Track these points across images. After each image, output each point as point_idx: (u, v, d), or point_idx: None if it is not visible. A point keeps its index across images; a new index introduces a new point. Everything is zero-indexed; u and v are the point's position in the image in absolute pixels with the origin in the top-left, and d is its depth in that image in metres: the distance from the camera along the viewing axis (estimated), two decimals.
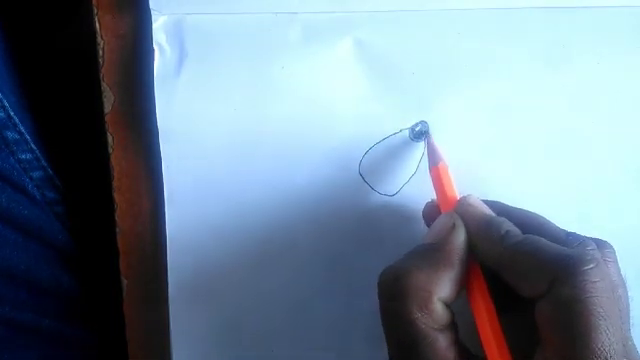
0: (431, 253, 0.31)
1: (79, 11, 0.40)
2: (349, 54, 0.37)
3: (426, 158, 0.37)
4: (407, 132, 0.38)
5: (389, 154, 0.37)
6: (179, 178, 0.36)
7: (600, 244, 0.31)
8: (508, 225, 0.31)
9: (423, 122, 0.37)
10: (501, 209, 0.33)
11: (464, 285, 0.31)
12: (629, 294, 0.31)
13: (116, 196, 0.38)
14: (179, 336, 0.38)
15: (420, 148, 0.38)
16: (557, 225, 0.32)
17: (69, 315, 0.42)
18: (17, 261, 0.39)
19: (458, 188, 0.36)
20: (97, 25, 0.36)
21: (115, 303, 0.39)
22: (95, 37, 0.36)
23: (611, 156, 0.38)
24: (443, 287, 0.30)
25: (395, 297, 0.30)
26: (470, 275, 0.31)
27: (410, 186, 0.38)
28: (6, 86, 0.38)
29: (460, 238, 0.31)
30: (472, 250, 0.31)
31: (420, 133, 0.37)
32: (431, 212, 0.35)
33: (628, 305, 0.31)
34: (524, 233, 0.31)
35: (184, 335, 0.38)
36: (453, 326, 0.30)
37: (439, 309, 0.29)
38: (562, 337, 0.27)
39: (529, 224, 0.32)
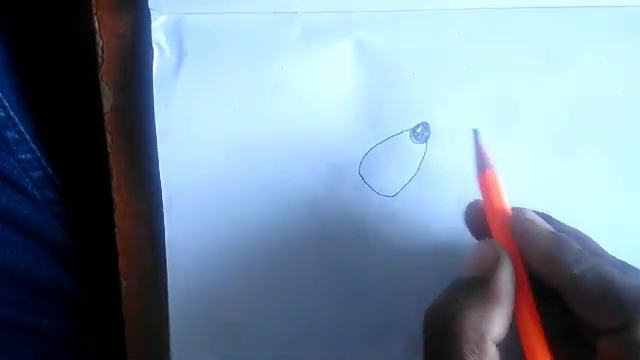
0: (478, 289, 0.29)
1: (78, 11, 0.40)
2: (349, 54, 0.36)
3: (426, 160, 0.37)
4: (408, 133, 0.37)
5: (389, 155, 0.37)
6: (177, 178, 0.36)
7: None
8: (578, 245, 0.29)
9: (424, 123, 0.37)
10: (554, 225, 0.31)
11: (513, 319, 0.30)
12: None
13: (115, 196, 0.38)
14: (178, 336, 0.38)
15: (420, 149, 0.37)
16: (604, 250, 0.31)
17: (69, 315, 0.42)
18: (17, 261, 0.39)
19: (458, 189, 0.36)
20: (96, 25, 0.36)
21: (114, 303, 0.39)
22: (94, 37, 0.36)
23: (612, 156, 0.38)
24: (494, 326, 0.28)
25: (446, 339, 0.28)
26: (520, 303, 0.30)
27: (410, 187, 0.37)
28: (6, 86, 0.38)
29: (508, 272, 0.29)
30: (533, 271, 0.30)
31: (421, 135, 0.37)
32: (476, 216, 0.33)
33: None
34: None
35: (183, 336, 0.38)
36: None
37: (492, 350, 0.28)
38: None
39: (584, 244, 0.30)
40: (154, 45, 0.35)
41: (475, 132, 0.34)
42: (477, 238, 0.33)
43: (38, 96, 0.41)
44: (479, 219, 0.33)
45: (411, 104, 0.37)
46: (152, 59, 0.35)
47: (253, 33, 0.36)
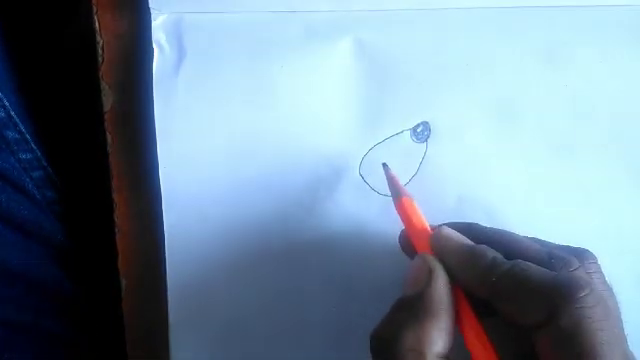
0: (414, 307, 0.29)
1: (79, 10, 0.40)
2: (349, 53, 0.36)
3: (427, 159, 0.37)
4: (408, 133, 0.37)
5: (390, 155, 0.37)
6: (177, 178, 0.36)
7: (581, 255, 0.30)
8: (492, 253, 0.30)
9: (425, 123, 0.37)
10: (478, 233, 0.32)
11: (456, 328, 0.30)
12: (619, 298, 0.30)
13: (115, 196, 0.38)
14: (178, 336, 0.38)
15: (421, 149, 0.37)
16: (533, 240, 0.32)
17: (69, 315, 0.42)
18: (17, 261, 0.39)
19: (458, 189, 0.36)
20: (96, 24, 0.36)
21: (114, 303, 0.39)
22: (94, 36, 0.36)
23: (613, 156, 0.38)
24: (434, 342, 0.28)
25: None
26: (459, 312, 0.30)
27: (411, 187, 0.37)
28: (6, 86, 0.38)
29: (440, 284, 0.30)
30: (458, 284, 0.30)
31: (422, 134, 0.37)
32: (409, 242, 0.34)
33: (618, 310, 0.30)
34: (507, 257, 0.30)
35: (183, 335, 0.38)
36: None
37: None
38: None
39: (509, 246, 0.31)
40: (154, 44, 0.35)
41: (384, 166, 0.36)
42: None
43: (38, 96, 0.41)
44: (409, 244, 0.33)
45: (411, 104, 0.37)
46: (152, 58, 0.35)
47: (253, 32, 0.36)
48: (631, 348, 0.28)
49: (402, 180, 0.37)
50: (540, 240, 0.32)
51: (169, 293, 0.37)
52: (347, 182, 0.37)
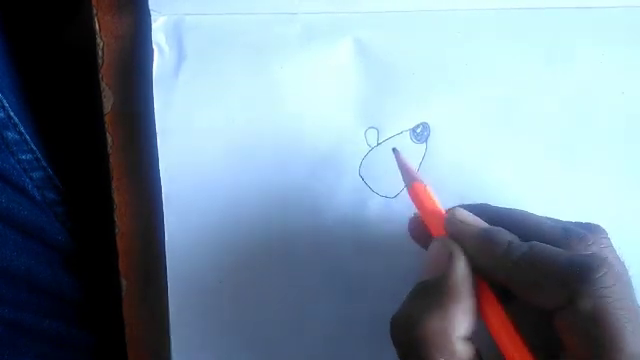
0: (436, 291, 0.29)
1: (79, 12, 0.40)
2: (349, 54, 0.36)
3: (427, 160, 0.37)
4: (408, 133, 0.37)
5: (390, 156, 0.37)
6: (177, 178, 0.36)
7: (593, 230, 0.30)
8: (508, 236, 0.30)
9: (424, 123, 0.37)
10: (491, 214, 0.32)
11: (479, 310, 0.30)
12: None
13: (115, 196, 0.38)
14: (178, 336, 0.38)
15: (421, 150, 0.37)
16: (546, 218, 0.32)
17: (69, 315, 0.42)
18: (17, 261, 0.39)
19: (458, 189, 0.36)
20: (97, 26, 0.36)
21: (114, 303, 0.39)
22: (94, 37, 0.36)
23: (613, 156, 0.38)
24: (459, 324, 0.28)
25: (413, 347, 0.28)
26: (480, 295, 0.29)
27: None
28: (6, 86, 0.38)
29: (462, 267, 0.29)
30: (475, 268, 0.30)
31: (421, 135, 0.37)
32: (418, 229, 0.34)
33: (631, 284, 0.30)
34: (521, 237, 0.30)
35: (183, 335, 0.38)
36: (478, 357, 0.29)
37: (460, 348, 0.28)
38: (589, 346, 0.26)
39: (523, 226, 0.31)
40: (154, 46, 0.35)
41: (395, 151, 0.35)
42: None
43: (38, 97, 0.41)
44: (423, 232, 0.33)
45: (411, 104, 0.37)
46: (152, 60, 0.35)
47: (253, 33, 0.36)
48: None
49: (402, 181, 0.37)
50: (551, 218, 0.32)
51: (169, 293, 0.37)
52: (347, 183, 0.37)
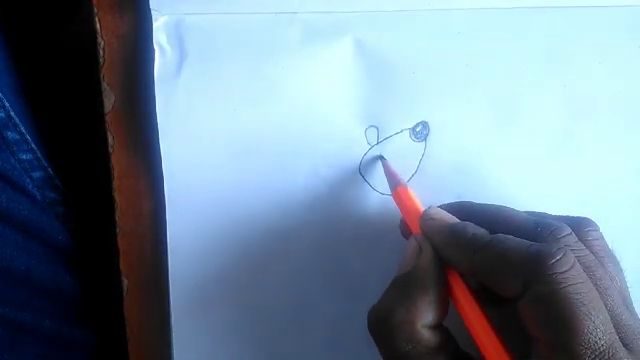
0: (405, 283, 0.31)
1: (80, 11, 0.40)
2: (349, 54, 0.37)
3: (426, 158, 0.38)
4: (408, 132, 0.38)
5: (389, 154, 0.37)
6: (179, 178, 0.36)
7: (579, 223, 0.31)
8: (472, 228, 0.31)
9: (424, 122, 0.37)
10: (468, 211, 0.33)
11: (448, 301, 0.31)
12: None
13: (116, 196, 0.37)
14: (180, 336, 0.38)
15: (420, 148, 0.38)
16: (522, 212, 0.32)
17: (69, 316, 0.42)
18: (17, 261, 0.39)
19: (457, 187, 0.37)
20: (97, 25, 0.36)
21: (115, 303, 0.39)
22: (95, 37, 0.36)
23: (612, 156, 0.39)
24: (423, 313, 0.30)
25: (385, 337, 0.30)
26: (452, 287, 0.31)
27: (410, 185, 0.37)
28: (6, 86, 0.38)
29: (427, 259, 0.31)
30: (447, 262, 0.31)
31: (421, 133, 0.38)
32: (406, 228, 0.35)
33: (620, 277, 0.31)
34: (493, 231, 0.31)
35: (185, 335, 0.38)
36: (449, 344, 0.30)
37: (426, 336, 0.30)
38: (548, 333, 0.27)
39: (496, 220, 0.32)
40: (155, 45, 0.35)
41: (381, 158, 0.37)
42: None
43: (39, 96, 0.41)
44: (409, 230, 0.35)
45: (411, 103, 0.37)
46: (153, 59, 0.35)
47: (254, 33, 0.36)
48: None
49: None
50: (538, 213, 0.33)
51: (171, 293, 0.37)
52: (347, 181, 0.37)
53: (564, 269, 0.27)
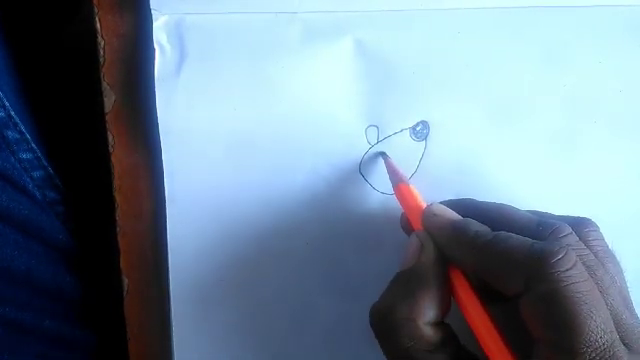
0: (407, 280, 0.31)
1: (80, 11, 0.40)
2: (349, 54, 0.37)
3: (426, 157, 0.38)
4: (408, 131, 0.38)
5: (390, 153, 0.38)
6: (180, 177, 0.36)
7: (580, 223, 0.31)
8: (475, 225, 0.31)
9: (424, 122, 0.37)
10: (471, 208, 0.33)
11: (450, 298, 0.31)
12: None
13: (117, 196, 0.38)
14: (180, 336, 0.38)
15: (420, 148, 0.38)
16: (528, 212, 0.32)
17: (70, 315, 0.42)
18: (18, 261, 0.39)
19: (457, 187, 0.37)
20: (98, 25, 0.36)
21: (116, 303, 0.39)
22: (96, 37, 0.36)
23: (612, 156, 0.39)
24: (425, 310, 0.30)
25: (387, 334, 0.30)
26: (454, 284, 0.31)
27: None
28: (7, 86, 0.38)
29: (429, 256, 0.31)
30: (449, 259, 0.31)
31: (421, 133, 0.38)
32: (407, 225, 0.35)
33: (620, 277, 0.31)
34: (494, 228, 0.31)
35: (185, 335, 0.38)
36: (451, 340, 0.31)
37: (428, 332, 0.30)
38: (549, 331, 0.27)
39: (498, 218, 0.32)
40: (155, 45, 0.35)
41: (383, 155, 0.37)
42: None
43: (39, 96, 0.41)
44: (411, 227, 0.35)
45: (411, 103, 0.37)
46: (153, 59, 0.35)
47: (254, 33, 0.36)
48: None
49: None
50: (539, 212, 0.33)
51: (171, 292, 0.37)
52: (348, 181, 0.38)
53: (566, 268, 0.27)
